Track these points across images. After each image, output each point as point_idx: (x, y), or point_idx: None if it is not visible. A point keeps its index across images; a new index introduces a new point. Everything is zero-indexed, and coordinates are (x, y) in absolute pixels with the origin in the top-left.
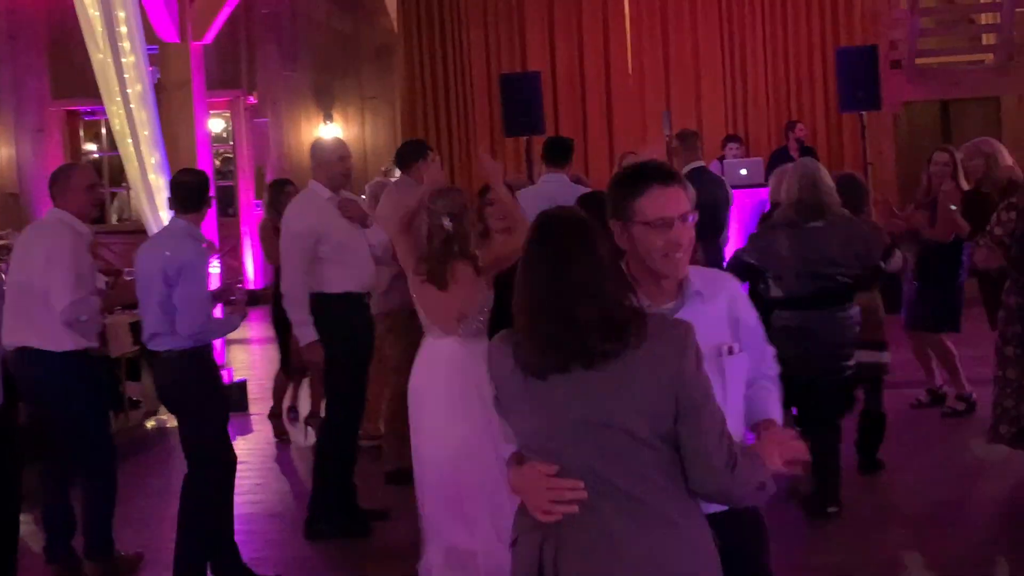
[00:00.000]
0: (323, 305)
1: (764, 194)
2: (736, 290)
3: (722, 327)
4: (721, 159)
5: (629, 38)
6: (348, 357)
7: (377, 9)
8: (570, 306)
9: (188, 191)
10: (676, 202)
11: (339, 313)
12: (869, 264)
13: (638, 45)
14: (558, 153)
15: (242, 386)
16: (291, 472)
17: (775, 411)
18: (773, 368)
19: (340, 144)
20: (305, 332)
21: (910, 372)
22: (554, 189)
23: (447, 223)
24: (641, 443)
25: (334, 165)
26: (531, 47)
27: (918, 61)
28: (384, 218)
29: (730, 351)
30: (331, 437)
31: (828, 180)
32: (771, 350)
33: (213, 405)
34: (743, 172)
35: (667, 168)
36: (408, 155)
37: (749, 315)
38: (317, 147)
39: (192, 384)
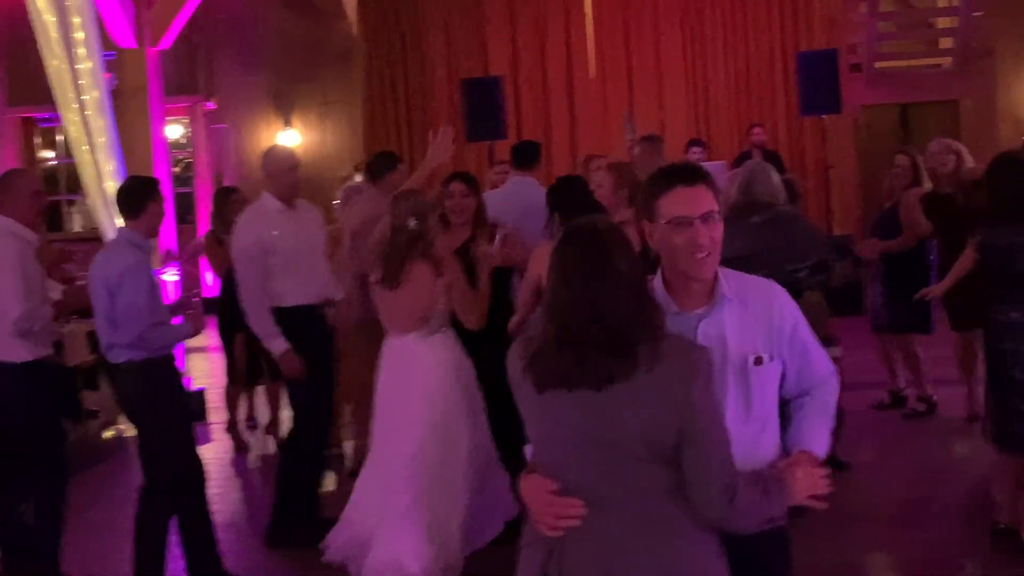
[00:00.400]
0: (278, 319)
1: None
2: (780, 300)
3: (756, 336)
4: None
5: (591, 42)
6: (308, 370)
7: (336, 13)
8: (581, 326)
9: (126, 198)
10: (698, 201)
11: (294, 327)
12: (805, 261)
13: (600, 49)
14: (526, 156)
15: (200, 395)
16: (251, 481)
17: (817, 443)
18: (828, 391)
19: (290, 154)
20: (275, 344)
21: (872, 374)
22: (523, 192)
23: (412, 223)
24: (639, 462)
25: (285, 175)
26: (493, 51)
27: (877, 65)
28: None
29: (758, 361)
30: (296, 448)
31: (770, 180)
32: (826, 369)
33: (175, 416)
34: None
35: (693, 167)
36: (380, 167)
37: (794, 327)
38: (268, 157)
39: (152, 395)
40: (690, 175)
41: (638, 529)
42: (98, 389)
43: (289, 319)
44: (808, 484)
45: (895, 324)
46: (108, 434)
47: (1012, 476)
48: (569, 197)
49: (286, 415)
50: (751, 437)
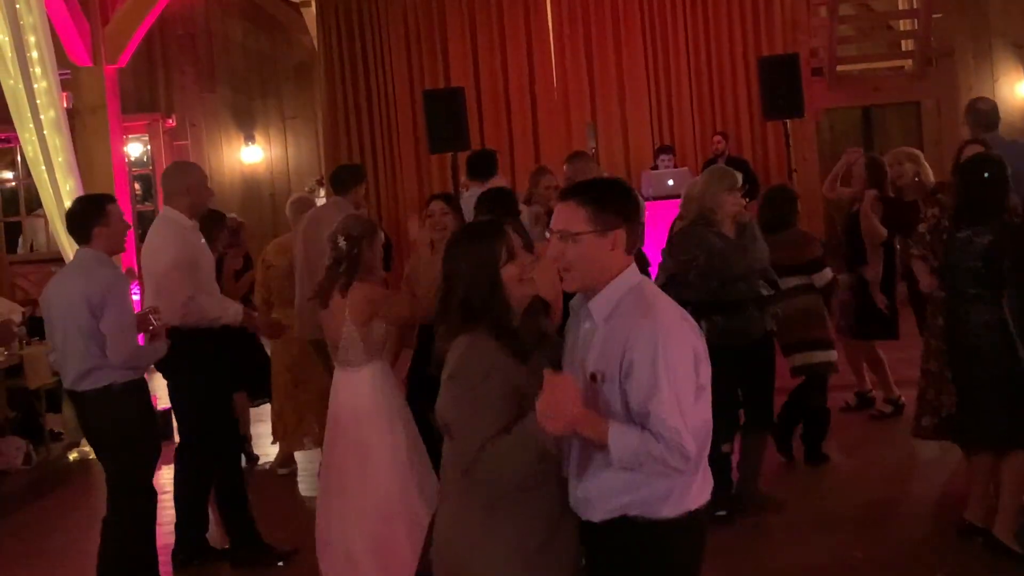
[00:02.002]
0: (197, 338)
1: None
2: (645, 333)
3: (607, 357)
4: (654, 168)
5: (553, 51)
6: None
7: (295, 27)
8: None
9: (74, 221)
10: (559, 217)
11: (212, 345)
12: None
13: (562, 58)
14: (482, 166)
15: (166, 414)
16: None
17: (620, 436)
18: (660, 433)
19: (200, 168)
20: (232, 313)
21: (838, 376)
22: (468, 204)
23: (341, 242)
24: (448, 437)
25: (202, 191)
26: (454, 62)
27: (839, 68)
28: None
29: (592, 377)
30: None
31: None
32: (661, 426)
33: (152, 439)
34: (670, 183)
35: (578, 185)
36: (347, 180)
37: (644, 362)
38: (179, 171)
39: (135, 419)
40: (564, 192)
41: (442, 502)
42: (60, 411)
43: (206, 338)
44: (555, 403)
45: (861, 331)
46: (72, 456)
47: (983, 472)
48: (495, 206)
49: (255, 431)
50: None
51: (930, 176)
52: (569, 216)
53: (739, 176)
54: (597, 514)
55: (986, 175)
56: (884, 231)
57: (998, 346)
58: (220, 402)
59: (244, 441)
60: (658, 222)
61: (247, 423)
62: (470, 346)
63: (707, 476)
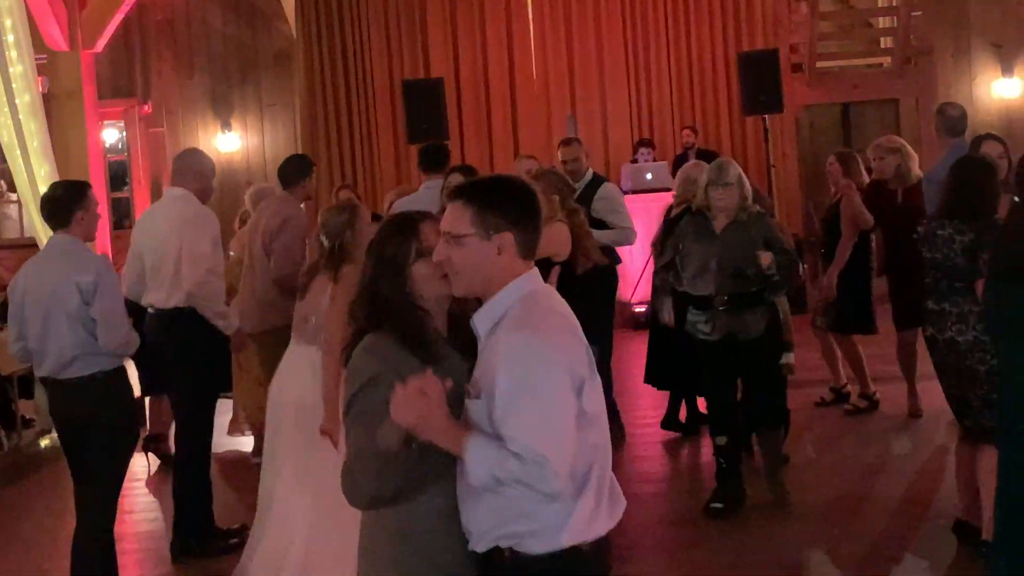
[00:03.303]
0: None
1: (669, 198)
2: (515, 348)
3: (484, 372)
4: (634, 162)
5: (533, 43)
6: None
7: (275, 15)
8: None
9: (51, 206)
10: (444, 219)
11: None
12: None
13: (542, 50)
14: (433, 160)
15: (140, 402)
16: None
17: (476, 451)
18: (521, 454)
19: (211, 159)
20: (232, 320)
21: (814, 371)
22: (434, 196)
23: (324, 240)
24: None
25: (211, 179)
26: (434, 52)
27: (818, 64)
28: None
29: (467, 393)
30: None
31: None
32: (523, 435)
33: (134, 430)
34: (648, 176)
35: (462, 184)
36: (292, 173)
37: (508, 379)
38: (195, 155)
39: (121, 407)
40: (452, 192)
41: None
42: (33, 397)
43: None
44: (410, 396)
45: (838, 324)
46: (44, 442)
47: (968, 468)
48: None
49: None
50: None
51: (914, 167)
52: (454, 217)
53: (730, 171)
54: (478, 544)
55: (976, 176)
56: (870, 217)
57: (970, 341)
58: (215, 389)
59: None
60: (638, 215)
61: None
62: (365, 350)
63: (606, 507)
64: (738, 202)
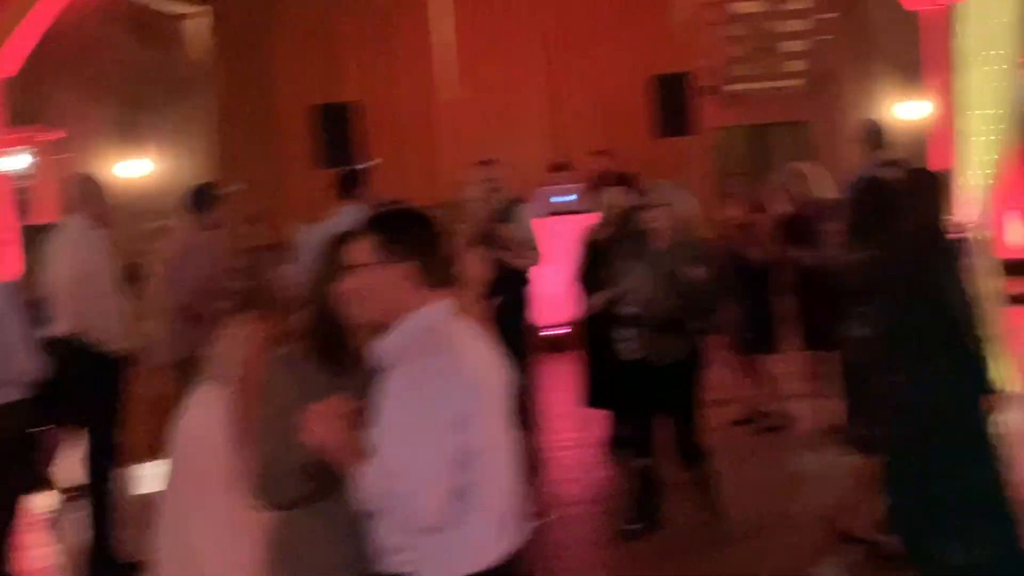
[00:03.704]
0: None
1: (585, 221)
2: (401, 380)
3: (377, 400)
4: (549, 185)
5: (450, 66)
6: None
7: (185, 40)
8: None
9: None
10: (352, 250)
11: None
12: None
13: (457, 74)
14: (346, 185)
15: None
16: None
17: (371, 466)
18: (393, 487)
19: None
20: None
21: (729, 390)
22: (348, 222)
23: (231, 282)
24: None
25: (106, 202)
26: (346, 76)
27: (730, 87)
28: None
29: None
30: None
31: None
32: (394, 466)
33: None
34: (565, 199)
35: (369, 216)
36: (197, 201)
37: (389, 409)
38: (85, 181)
39: (19, 439)
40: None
41: None
42: None
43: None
44: (316, 417)
45: (746, 343)
46: None
47: (865, 482)
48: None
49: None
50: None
51: (821, 191)
52: (359, 247)
53: (666, 192)
54: (385, 564)
55: (874, 197)
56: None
57: (865, 360)
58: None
59: None
60: (554, 237)
61: None
62: (283, 362)
63: (508, 532)
64: (673, 224)
